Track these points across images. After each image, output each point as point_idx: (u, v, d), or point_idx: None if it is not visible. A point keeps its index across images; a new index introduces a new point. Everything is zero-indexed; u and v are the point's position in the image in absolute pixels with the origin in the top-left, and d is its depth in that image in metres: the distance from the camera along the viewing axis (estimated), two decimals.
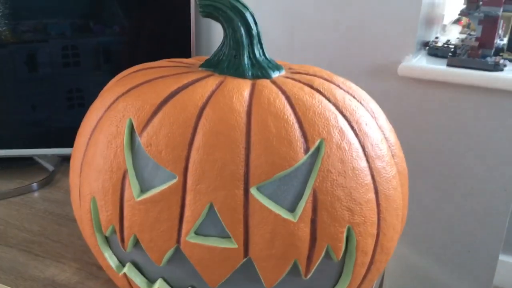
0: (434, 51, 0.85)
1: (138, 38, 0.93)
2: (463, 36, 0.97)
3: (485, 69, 0.77)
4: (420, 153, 0.90)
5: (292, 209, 0.49)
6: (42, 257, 0.70)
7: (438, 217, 0.94)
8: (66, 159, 1.00)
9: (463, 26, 1.13)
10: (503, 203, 0.88)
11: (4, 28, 0.86)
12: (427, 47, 0.88)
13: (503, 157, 0.86)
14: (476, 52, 0.77)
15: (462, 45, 0.83)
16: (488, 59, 0.78)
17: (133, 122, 0.51)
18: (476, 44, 0.79)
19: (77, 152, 0.57)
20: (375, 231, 0.52)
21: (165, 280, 0.54)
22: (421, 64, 0.81)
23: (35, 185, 0.90)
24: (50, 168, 0.96)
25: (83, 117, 0.60)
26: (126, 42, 0.93)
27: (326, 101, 0.52)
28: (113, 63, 0.92)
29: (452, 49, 0.80)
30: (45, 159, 0.98)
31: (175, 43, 0.95)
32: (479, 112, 0.83)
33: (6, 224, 0.78)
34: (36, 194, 0.89)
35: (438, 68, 0.80)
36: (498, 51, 0.83)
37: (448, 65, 0.79)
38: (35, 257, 0.71)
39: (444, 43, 0.87)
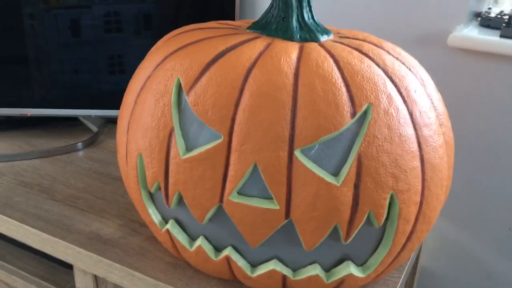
0: (487, 21, 0.82)
1: (180, 5, 0.93)
2: None
3: None
4: (467, 126, 0.87)
5: (336, 173, 0.49)
6: (87, 212, 0.73)
7: (479, 192, 0.92)
8: (110, 121, 1.03)
9: None
10: None
11: None
12: (479, 18, 0.85)
13: None
14: None
15: None
16: None
17: (181, 81, 0.52)
18: None
19: (124, 110, 0.58)
20: (418, 200, 0.51)
21: (206, 238, 0.55)
22: (473, 34, 0.78)
23: (80, 144, 0.93)
24: (94, 129, 0.98)
25: (124, 82, 0.60)
26: (168, 8, 0.93)
27: (375, 66, 0.51)
28: (154, 30, 0.93)
29: (506, 20, 0.77)
30: (89, 120, 1.01)
31: (218, 8, 0.94)
32: None
33: (53, 180, 0.82)
34: (80, 153, 0.92)
35: (491, 39, 0.76)
36: None
37: (502, 36, 0.76)
38: (81, 211, 0.73)
39: (497, 14, 0.83)
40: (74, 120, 1.02)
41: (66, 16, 0.89)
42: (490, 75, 0.81)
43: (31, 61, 0.91)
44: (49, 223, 0.70)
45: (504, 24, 0.77)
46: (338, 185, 0.48)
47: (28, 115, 0.92)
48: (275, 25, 0.55)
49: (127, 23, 0.91)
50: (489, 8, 0.90)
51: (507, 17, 0.80)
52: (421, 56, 0.72)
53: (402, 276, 0.63)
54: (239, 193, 0.51)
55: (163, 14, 0.93)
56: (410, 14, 0.85)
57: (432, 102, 0.54)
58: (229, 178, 0.50)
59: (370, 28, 0.88)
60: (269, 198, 0.50)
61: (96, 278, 0.67)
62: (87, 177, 0.83)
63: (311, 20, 0.56)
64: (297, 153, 0.48)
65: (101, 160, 0.89)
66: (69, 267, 0.70)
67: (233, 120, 0.49)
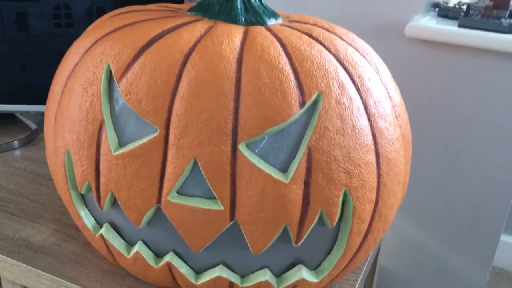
0: (445, 11, 0.80)
1: None
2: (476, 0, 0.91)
3: (499, 31, 0.72)
4: (425, 119, 0.85)
5: (284, 169, 0.44)
6: (17, 217, 0.66)
7: (439, 189, 0.90)
8: None
9: None
10: (508, 177, 0.84)
11: None
12: (437, 8, 0.83)
13: None
14: (490, 13, 0.72)
15: (475, 6, 0.78)
16: (503, 20, 0.72)
17: (111, 68, 0.46)
18: (491, 4, 0.73)
19: (51, 101, 0.52)
20: (374, 197, 0.47)
21: (145, 243, 0.50)
22: (430, 24, 0.75)
23: (16, 143, 0.85)
24: (33, 126, 0.91)
25: None
26: (122, 2, 0.87)
27: (326, 52, 0.47)
28: None
29: (465, 9, 0.75)
30: (28, 117, 0.94)
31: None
32: (491, 77, 0.78)
33: None
34: (16, 152, 0.84)
35: (449, 28, 0.74)
36: None
37: (460, 26, 0.74)
38: (10, 216, 0.66)
39: (455, 4, 0.81)
40: (11, 116, 0.94)
41: (11, 9, 0.82)
42: (449, 65, 0.79)
43: None
44: None
45: (462, 14, 0.75)
46: (287, 182, 0.44)
47: None
48: (218, 7, 0.50)
49: (78, 17, 0.84)
50: None
51: (465, 6, 0.78)
52: (378, 46, 0.69)
53: (359, 279, 0.60)
54: (179, 192, 0.46)
55: (116, 8, 0.87)
56: (367, 4, 0.82)
57: (387, 92, 0.50)
58: (167, 176, 0.45)
59: (325, 17, 0.85)
60: (212, 198, 0.45)
61: None
62: (21, 178, 0.76)
63: (258, 2, 0.51)
64: (241, 147, 0.43)
65: (38, 159, 0.82)
66: None
67: (169, 111, 0.44)
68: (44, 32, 0.84)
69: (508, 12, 0.74)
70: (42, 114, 0.93)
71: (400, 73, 0.68)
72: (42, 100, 0.86)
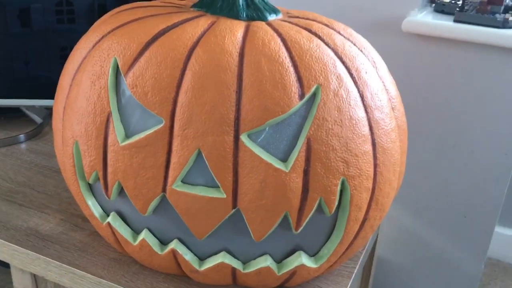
0: (441, 7, 0.81)
1: None
2: None
3: (494, 26, 0.74)
4: (421, 112, 0.87)
5: (284, 159, 0.46)
6: (26, 207, 0.68)
7: (435, 179, 0.92)
8: None
9: None
10: (503, 168, 0.86)
11: None
12: (433, 4, 0.85)
13: (507, 119, 0.83)
14: (485, 8, 0.73)
15: (470, 1, 0.80)
16: (497, 15, 0.74)
17: (118, 62, 0.48)
18: None
19: (60, 94, 0.54)
20: (370, 185, 0.49)
21: (151, 231, 0.52)
22: (426, 19, 0.77)
23: (22, 136, 0.87)
24: (39, 120, 0.93)
25: None
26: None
27: (325, 46, 0.48)
28: None
29: (460, 5, 0.77)
30: (33, 111, 0.95)
31: None
32: (486, 71, 0.80)
33: None
34: (23, 145, 0.86)
35: (445, 23, 0.76)
36: (508, 8, 0.79)
37: (455, 21, 0.76)
38: (19, 207, 0.68)
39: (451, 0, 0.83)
40: (17, 111, 0.96)
41: (15, 5, 0.84)
42: (444, 60, 0.81)
43: None
44: None
45: (457, 9, 0.77)
46: (287, 171, 0.45)
47: None
48: (220, 3, 0.52)
49: (80, 13, 0.86)
50: None
51: (460, 2, 0.80)
52: (375, 41, 0.71)
53: (357, 266, 0.61)
54: (184, 181, 0.47)
55: (117, 5, 0.88)
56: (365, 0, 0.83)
57: (384, 85, 0.52)
58: (172, 165, 0.47)
59: (323, 13, 0.86)
60: (215, 186, 0.47)
61: (35, 277, 0.63)
62: (28, 171, 0.78)
63: None
64: (243, 137, 0.45)
65: (44, 152, 0.84)
66: (9, 266, 0.65)
67: (174, 102, 0.46)
68: (47, 28, 0.86)
69: (502, 8, 0.76)
70: (47, 108, 0.95)
71: (397, 67, 0.70)
72: (47, 95, 0.87)
